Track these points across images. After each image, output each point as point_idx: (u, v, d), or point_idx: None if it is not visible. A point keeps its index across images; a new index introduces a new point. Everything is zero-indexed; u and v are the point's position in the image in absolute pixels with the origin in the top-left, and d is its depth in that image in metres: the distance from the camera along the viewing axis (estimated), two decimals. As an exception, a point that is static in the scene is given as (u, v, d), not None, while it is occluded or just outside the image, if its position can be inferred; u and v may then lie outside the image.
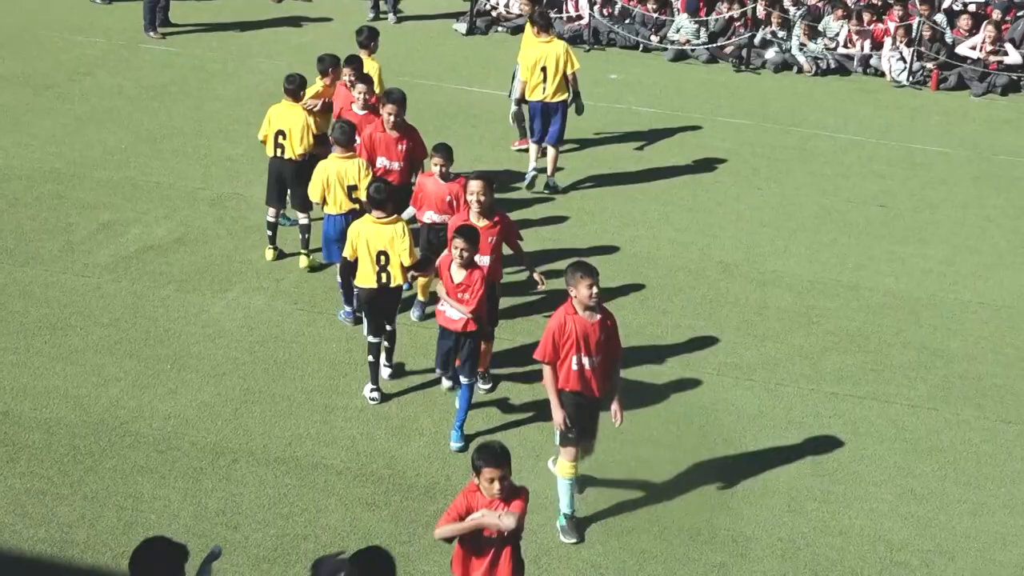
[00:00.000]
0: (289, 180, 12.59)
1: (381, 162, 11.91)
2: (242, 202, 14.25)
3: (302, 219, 12.69)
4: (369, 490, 9.49)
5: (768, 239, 14.07)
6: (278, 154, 12.52)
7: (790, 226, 14.44)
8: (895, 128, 17.91)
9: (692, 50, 20.50)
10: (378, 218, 10.28)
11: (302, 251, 12.73)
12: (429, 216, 11.39)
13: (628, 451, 10.05)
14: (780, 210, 14.88)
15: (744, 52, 20.32)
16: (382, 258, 10.23)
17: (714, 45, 20.49)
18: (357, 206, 11.40)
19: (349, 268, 10.52)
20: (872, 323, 12.37)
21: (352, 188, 11.49)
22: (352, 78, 12.83)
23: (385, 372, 10.86)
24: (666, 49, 20.55)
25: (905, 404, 11.03)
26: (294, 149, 12.43)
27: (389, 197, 10.41)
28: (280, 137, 12.45)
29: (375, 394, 10.59)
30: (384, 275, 10.27)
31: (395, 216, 10.38)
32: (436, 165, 11.33)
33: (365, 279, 10.36)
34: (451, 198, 11.28)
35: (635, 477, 9.77)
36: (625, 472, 9.81)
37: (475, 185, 10.24)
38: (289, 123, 12.44)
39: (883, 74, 20.06)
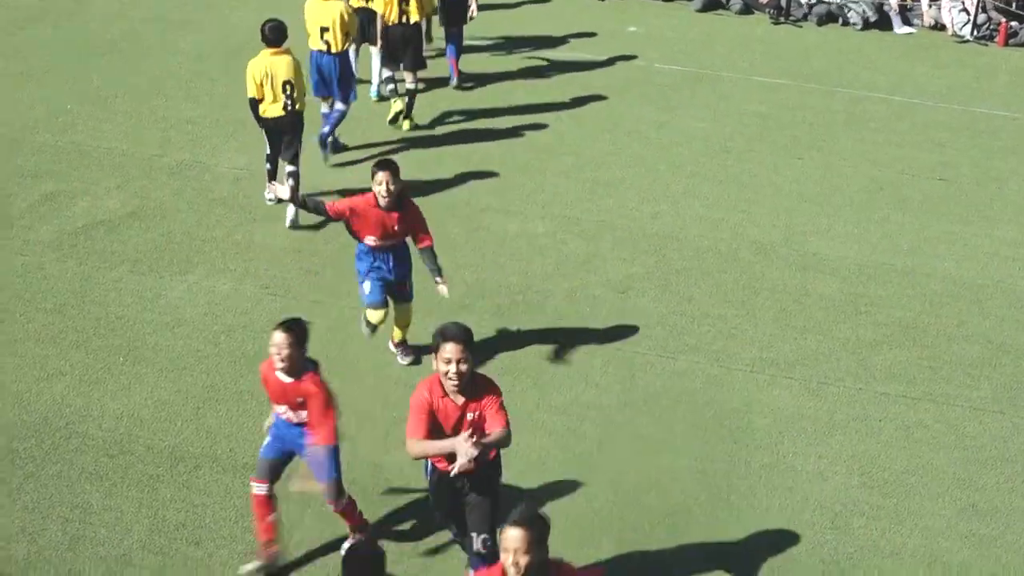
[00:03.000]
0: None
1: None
2: (205, 171, 14.26)
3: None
4: (351, 501, 9.51)
5: (810, 217, 14.08)
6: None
7: (835, 202, 14.45)
8: (957, 90, 17.89)
9: (724, -1, 20.51)
10: (275, 52, 12.90)
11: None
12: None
13: (649, 459, 10.08)
14: (824, 183, 14.88)
15: (784, 1, 20.30)
16: (287, 87, 12.92)
17: (749, -6, 20.49)
18: (353, 45, 14.63)
19: (257, 105, 13.00)
20: (929, 314, 12.38)
21: (346, 34, 14.29)
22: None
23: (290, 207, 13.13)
24: (694, -2, 20.56)
25: (967, 406, 11.04)
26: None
27: (284, 35, 13.00)
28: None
29: (271, 195, 12.87)
30: (291, 102, 12.97)
31: (287, 48, 13.01)
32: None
33: (273, 109, 12.98)
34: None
35: (656, 488, 9.80)
36: (645, 482, 9.84)
37: None
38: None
39: (943, 27, 20.04)
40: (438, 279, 10.59)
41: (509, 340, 11.51)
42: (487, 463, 7.94)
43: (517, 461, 9.91)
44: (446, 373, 7.58)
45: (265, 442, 8.74)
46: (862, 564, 9.23)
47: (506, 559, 6.51)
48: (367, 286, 10.75)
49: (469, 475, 7.82)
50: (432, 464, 8.13)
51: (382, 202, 10.32)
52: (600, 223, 13.62)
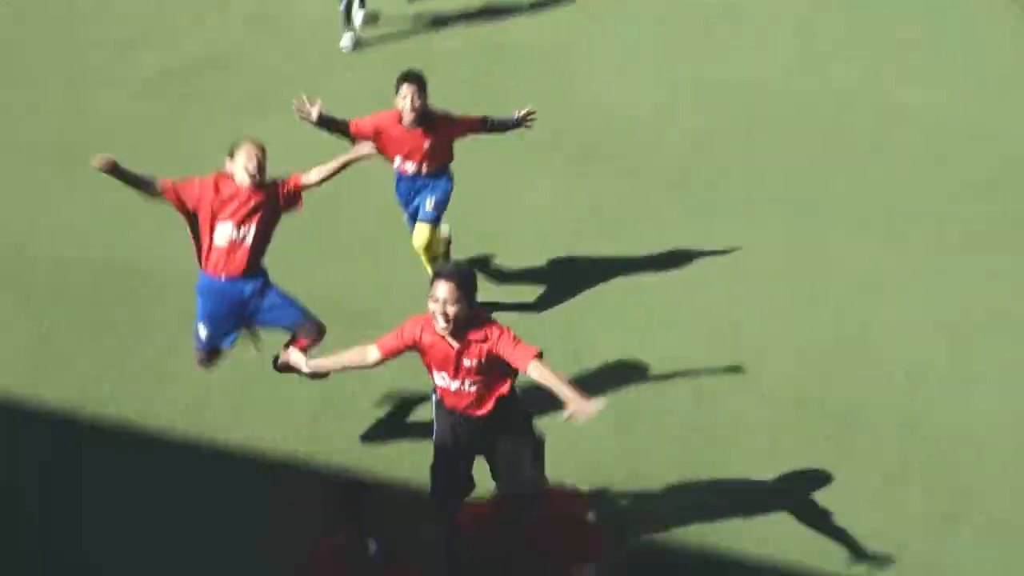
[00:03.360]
0: None
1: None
2: (281, 18, 14.23)
3: None
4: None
5: (895, 66, 13.76)
6: None
7: (920, 53, 14.09)
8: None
9: None
10: None
11: None
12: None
13: (722, 309, 10.09)
14: (911, 34, 14.50)
15: None
16: None
17: None
18: None
19: None
20: (1010, 168, 12.12)
21: None
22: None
23: (358, 19, 13.98)
24: None
25: (1048, 261, 10.90)
26: None
27: None
28: None
29: (348, 41, 13.71)
30: None
31: None
32: None
33: None
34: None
35: (728, 336, 9.81)
36: (715, 330, 9.86)
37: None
38: None
39: None
40: (518, 122, 9.59)
41: (584, 191, 11.48)
42: (498, 404, 7.30)
43: (591, 312, 9.98)
44: (433, 312, 6.97)
45: (201, 333, 8.41)
46: (936, 413, 9.20)
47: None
48: (406, 219, 10.06)
49: (479, 425, 7.31)
50: (440, 399, 7.40)
51: (406, 119, 9.34)
52: (678, 73, 13.43)
